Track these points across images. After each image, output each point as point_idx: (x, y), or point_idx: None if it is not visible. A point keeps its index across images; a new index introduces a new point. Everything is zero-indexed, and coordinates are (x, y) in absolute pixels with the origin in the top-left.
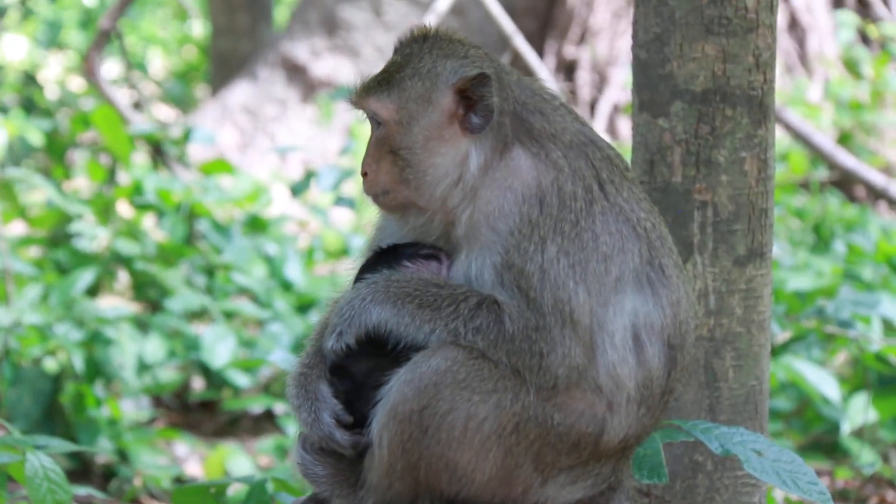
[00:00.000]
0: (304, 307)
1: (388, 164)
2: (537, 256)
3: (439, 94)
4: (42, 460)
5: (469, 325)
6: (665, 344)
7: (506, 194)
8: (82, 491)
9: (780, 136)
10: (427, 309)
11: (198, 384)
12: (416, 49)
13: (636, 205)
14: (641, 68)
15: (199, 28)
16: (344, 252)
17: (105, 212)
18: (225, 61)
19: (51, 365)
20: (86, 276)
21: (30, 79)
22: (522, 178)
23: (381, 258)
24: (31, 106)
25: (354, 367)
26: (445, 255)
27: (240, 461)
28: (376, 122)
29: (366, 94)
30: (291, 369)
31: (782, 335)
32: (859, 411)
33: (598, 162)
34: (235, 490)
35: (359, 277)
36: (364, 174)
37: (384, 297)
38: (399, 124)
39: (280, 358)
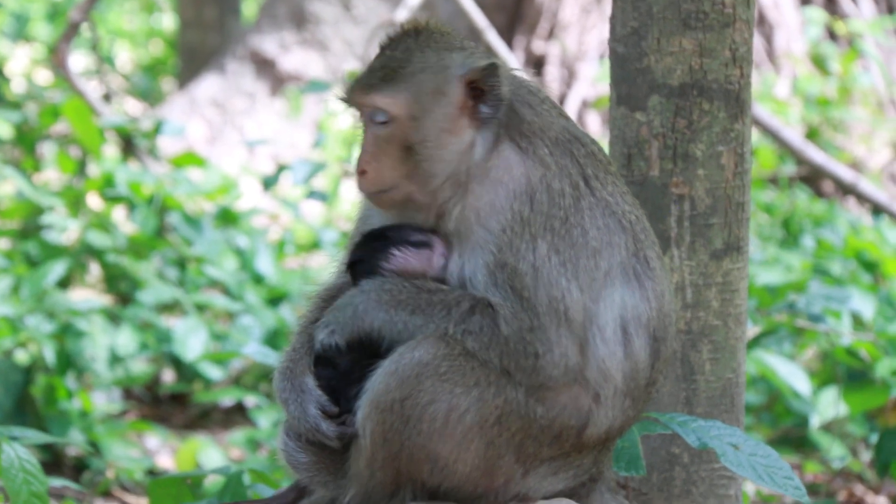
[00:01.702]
0: (275, 300)
1: (394, 161)
2: (529, 255)
3: (450, 86)
4: (18, 451)
5: (460, 327)
6: (650, 336)
7: (496, 190)
8: (56, 482)
9: None
10: (419, 315)
11: (168, 377)
12: (412, 44)
13: (620, 198)
14: (619, 62)
15: (167, 21)
16: (315, 245)
17: (76, 204)
18: (193, 55)
19: (22, 357)
20: (57, 269)
21: None
22: (512, 175)
23: (370, 243)
24: None
25: (339, 359)
26: (438, 238)
27: (211, 453)
28: (377, 119)
29: (369, 90)
30: (277, 364)
31: (753, 329)
32: (829, 405)
33: (582, 158)
34: (210, 482)
35: (349, 264)
36: (362, 172)
37: (377, 305)
38: (413, 119)
39: (253, 351)
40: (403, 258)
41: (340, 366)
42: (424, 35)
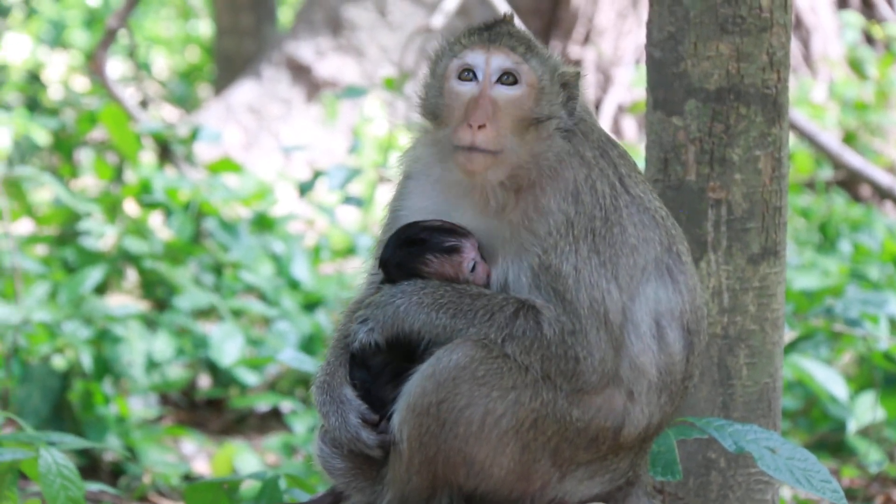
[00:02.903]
0: (311, 305)
1: (510, 127)
2: (571, 256)
3: (557, 80)
4: (55, 456)
5: (503, 332)
6: (684, 329)
7: (546, 190)
8: (93, 487)
9: None
10: (461, 318)
11: (204, 382)
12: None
13: (651, 195)
14: (656, 67)
15: (203, 28)
16: (351, 251)
17: (113, 210)
18: (229, 61)
19: (59, 363)
20: (94, 275)
21: (34, 78)
22: (563, 175)
23: (407, 247)
24: (35, 105)
25: (373, 359)
26: (468, 241)
27: (247, 459)
28: (507, 79)
29: (512, 48)
30: (314, 379)
31: (790, 334)
32: (866, 410)
33: (616, 158)
34: (246, 487)
35: (384, 262)
36: (481, 126)
37: (418, 308)
38: (540, 91)
39: (289, 357)
40: (439, 263)
41: (373, 366)
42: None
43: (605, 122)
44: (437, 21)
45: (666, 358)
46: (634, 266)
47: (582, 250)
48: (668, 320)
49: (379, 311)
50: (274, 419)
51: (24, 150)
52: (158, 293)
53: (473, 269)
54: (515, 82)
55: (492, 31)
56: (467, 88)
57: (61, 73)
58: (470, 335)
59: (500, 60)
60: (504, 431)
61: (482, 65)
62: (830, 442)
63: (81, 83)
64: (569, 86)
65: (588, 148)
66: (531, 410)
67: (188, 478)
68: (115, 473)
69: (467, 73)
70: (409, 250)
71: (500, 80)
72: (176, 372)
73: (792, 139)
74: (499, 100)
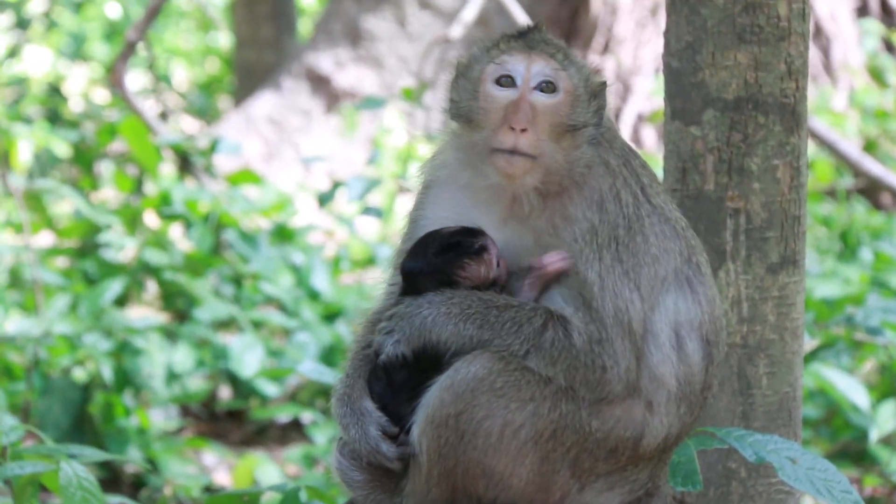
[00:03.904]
0: (331, 316)
1: (547, 134)
2: (595, 264)
3: (589, 88)
4: (76, 469)
5: (528, 343)
6: (703, 340)
7: (572, 198)
8: (114, 500)
9: None
10: (488, 329)
11: (225, 393)
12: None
13: (671, 205)
14: (673, 76)
15: (223, 39)
16: (370, 261)
17: (133, 222)
18: (249, 72)
19: (80, 375)
20: (114, 287)
21: (54, 91)
22: (590, 183)
23: (443, 254)
24: (55, 118)
25: (397, 373)
26: (488, 237)
27: (268, 470)
28: (546, 87)
29: (552, 57)
30: (334, 391)
31: (811, 343)
32: (888, 418)
33: (638, 168)
34: (267, 498)
35: (416, 272)
36: (523, 130)
37: (446, 319)
38: (576, 100)
39: (309, 368)
40: (476, 265)
41: (396, 380)
42: None
43: (624, 132)
44: (456, 31)
45: (685, 368)
46: (655, 276)
47: (605, 258)
48: (688, 331)
49: (405, 322)
50: (294, 430)
51: (44, 163)
52: (178, 305)
53: (497, 265)
54: (554, 90)
55: (528, 38)
56: (505, 93)
57: (81, 86)
58: (492, 347)
59: (540, 67)
60: (523, 442)
61: (522, 71)
62: (852, 451)
63: (101, 95)
64: (597, 95)
65: (612, 156)
66: (550, 421)
67: (209, 489)
68: (135, 486)
69: (506, 79)
70: (446, 257)
71: (538, 87)
72: (196, 383)
73: (812, 147)
74: (537, 105)
